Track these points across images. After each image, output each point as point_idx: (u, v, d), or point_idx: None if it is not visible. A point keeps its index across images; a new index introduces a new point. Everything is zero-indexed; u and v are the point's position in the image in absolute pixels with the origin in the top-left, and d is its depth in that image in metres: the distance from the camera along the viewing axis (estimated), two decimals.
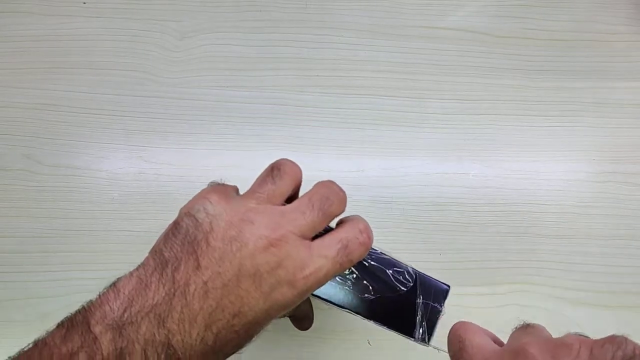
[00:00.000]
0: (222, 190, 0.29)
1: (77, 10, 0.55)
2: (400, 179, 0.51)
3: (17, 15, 0.55)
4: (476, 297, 0.47)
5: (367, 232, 0.29)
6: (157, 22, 0.55)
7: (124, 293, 0.25)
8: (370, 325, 0.33)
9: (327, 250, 0.28)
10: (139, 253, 0.45)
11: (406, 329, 0.34)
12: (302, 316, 0.41)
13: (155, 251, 0.27)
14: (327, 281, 0.28)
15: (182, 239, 0.26)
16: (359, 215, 0.31)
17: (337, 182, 0.31)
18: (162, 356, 0.24)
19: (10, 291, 0.47)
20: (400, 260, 0.35)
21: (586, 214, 0.50)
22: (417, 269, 0.35)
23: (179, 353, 0.24)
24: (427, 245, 0.49)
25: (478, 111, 0.53)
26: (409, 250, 0.49)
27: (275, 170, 0.30)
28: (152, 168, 0.50)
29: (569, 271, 0.48)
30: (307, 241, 0.28)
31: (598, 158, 0.51)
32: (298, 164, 0.31)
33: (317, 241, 0.28)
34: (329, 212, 0.28)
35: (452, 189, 0.50)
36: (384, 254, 0.34)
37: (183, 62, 0.54)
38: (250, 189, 0.30)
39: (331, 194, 0.29)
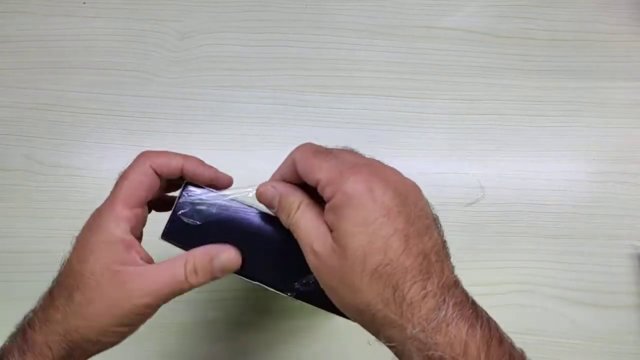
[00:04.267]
0: None
1: (77, 10, 0.55)
2: None
3: (18, 15, 0.55)
4: (476, 297, 0.47)
5: None
6: (157, 22, 0.55)
7: None
8: None
9: None
10: None
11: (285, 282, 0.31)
12: None
13: None
14: None
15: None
16: None
17: None
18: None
19: (11, 291, 0.47)
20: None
21: (586, 214, 0.50)
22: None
23: None
24: None
25: (478, 111, 0.53)
26: None
27: None
28: None
29: (569, 271, 0.48)
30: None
31: (598, 158, 0.51)
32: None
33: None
34: None
35: (452, 189, 0.50)
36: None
37: (183, 62, 0.54)
38: None
39: None
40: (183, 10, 0.55)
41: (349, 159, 0.28)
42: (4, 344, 0.30)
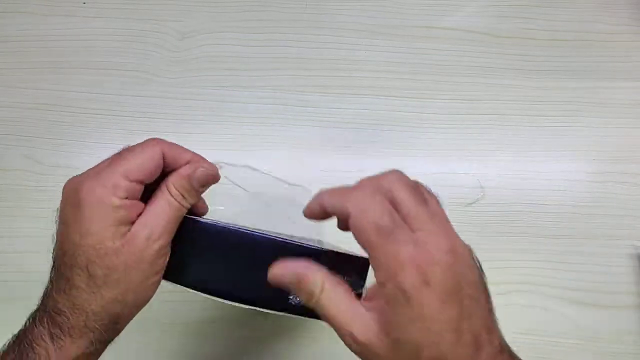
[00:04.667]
0: None
1: (77, 10, 0.55)
2: None
3: (18, 15, 0.55)
4: None
5: None
6: (157, 22, 0.55)
7: None
8: None
9: None
10: None
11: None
12: None
13: None
14: None
15: None
16: None
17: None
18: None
19: (10, 291, 0.47)
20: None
21: (586, 214, 0.50)
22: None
23: None
24: None
25: (478, 111, 0.53)
26: None
27: None
28: None
29: (569, 271, 0.48)
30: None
31: (598, 158, 0.51)
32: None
33: None
34: None
35: (452, 189, 0.50)
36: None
37: (183, 62, 0.54)
38: None
39: None
40: (183, 10, 0.55)
41: (413, 234, 0.25)
42: (24, 329, 0.30)
